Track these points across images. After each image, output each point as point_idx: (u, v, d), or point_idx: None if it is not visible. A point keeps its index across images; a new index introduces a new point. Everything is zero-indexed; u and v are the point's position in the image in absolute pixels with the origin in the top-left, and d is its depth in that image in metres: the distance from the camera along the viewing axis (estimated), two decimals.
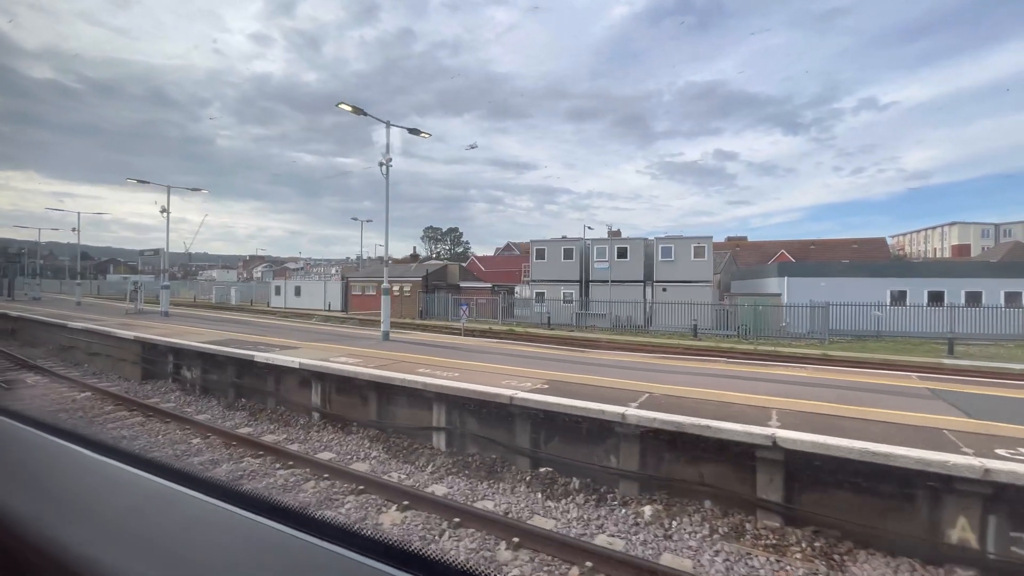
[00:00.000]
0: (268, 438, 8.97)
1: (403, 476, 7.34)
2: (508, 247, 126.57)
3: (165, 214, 21.09)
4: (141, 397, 12.01)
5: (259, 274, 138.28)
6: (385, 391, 8.69)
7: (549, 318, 32.83)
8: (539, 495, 6.56)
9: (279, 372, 10.39)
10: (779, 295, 29.04)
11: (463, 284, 44.09)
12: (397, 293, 43.26)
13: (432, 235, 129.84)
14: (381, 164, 12.87)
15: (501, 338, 19.83)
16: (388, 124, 12.83)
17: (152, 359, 13.82)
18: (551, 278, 36.95)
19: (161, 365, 13.56)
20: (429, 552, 0.74)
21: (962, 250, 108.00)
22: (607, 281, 35.21)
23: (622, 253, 35.28)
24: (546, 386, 7.60)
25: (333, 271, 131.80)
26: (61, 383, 13.53)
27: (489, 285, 44.06)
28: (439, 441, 7.96)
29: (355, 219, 53.85)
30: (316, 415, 9.68)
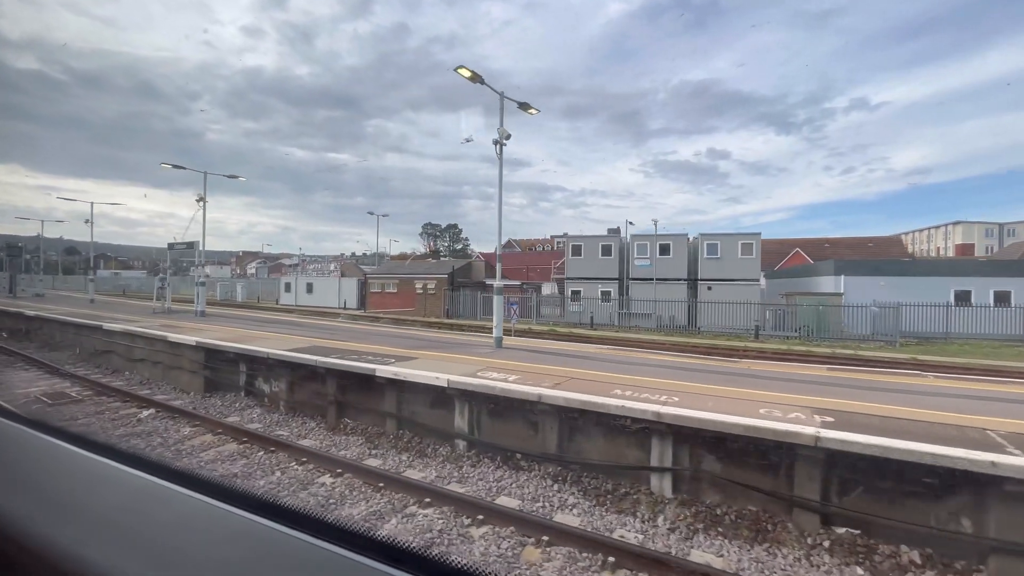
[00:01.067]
0: (413, 475, 7.19)
1: (636, 534, 5.61)
2: (509, 244, 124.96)
3: (201, 203, 19.04)
4: (216, 415, 10.14)
5: (253, 270, 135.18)
6: (570, 417, 6.94)
7: (592, 317, 31.17)
8: (858, 569, 4.87)
9: (405, 389, 8.58)
10: (840, 294, 27.62)
11: (488, 281, 42.24)
12: (421, 291, 41.39)
13: (431, 231, 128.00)
14: (496, 142, 11.07)
15: (575, 341, 18.07)
16: (502, 95, 11.00)
17: (217, 368, 11.91)
18: (588, 275, 35.30)
19: (229, 376, 11.66)
20: (423, 550, 0.73)
21: (966, 249, 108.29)
22: (648, 279, 33.63)
23: (664, 250, 33.72)
24: (830, 419, 5.90)
25: (332, 267, 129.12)
26: (111, 396, 11.59)
27: (518, 283, 42.27)
28: (661, 485, 6.23)
29: (371, 213, 51.70)
30: (462, 444, 7.89)
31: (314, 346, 11.39)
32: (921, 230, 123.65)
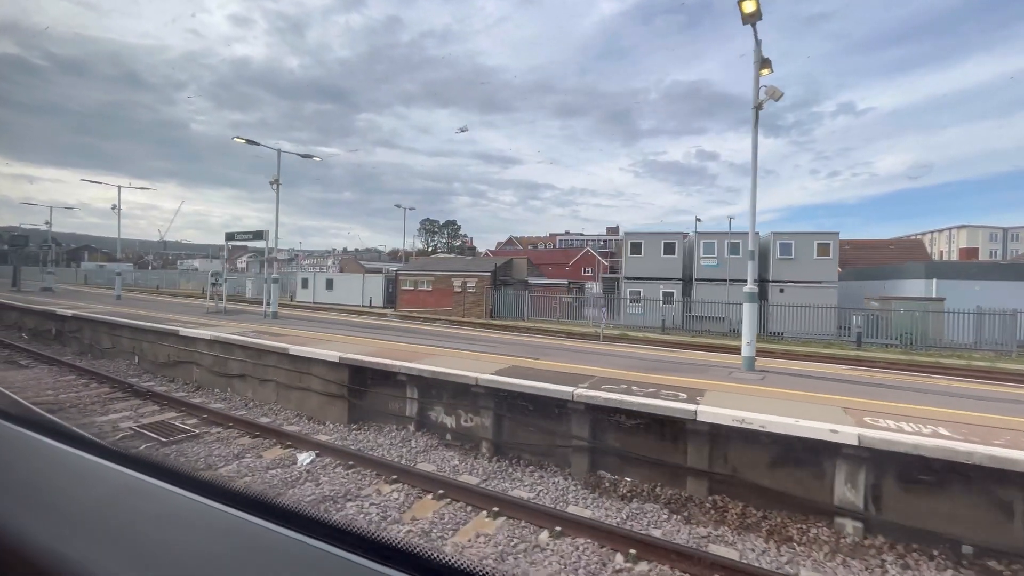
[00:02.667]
0: None
1: None
2: (510, 241, 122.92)
3: (275, 185, 16.17)
4: (402, 460, 7.50)
5: (243, 264, 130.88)
6: None
7: (664, 321, 28.83)
8: None
9: (735, 439, 6.06)
10: (942, 299, 25.71)
11: (531, 280, 39.73)
12: (460, 289, 38.71)
13: (429, 227, 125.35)
14: (757, 106, 8.53)
15: (702, 349, 15.71)
16: (758, 43, 8.47)
17: (366, 392, 9.23)
18: (648, 275, 33.01)
19: (388, 402, 8.99)
20: (413, 547, 0.72)
21: (970, 253, 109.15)
22: (713, 280, 31.47)
23: (733, 249, 31.54)
24: None
25: (329, 262, 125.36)
26: (228, 427, 8.84)
27: (564, 282, 39.75)
28: None
29: (398, 206, 48.70)
30: (850, 525, 5.40)
31: (513, 367, 8.75)
32: (924, 233, 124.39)
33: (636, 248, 33.44)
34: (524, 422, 7.55)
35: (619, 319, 33.19)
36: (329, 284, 48.52)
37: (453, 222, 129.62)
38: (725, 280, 30.47)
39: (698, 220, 31.28)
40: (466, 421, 8.15)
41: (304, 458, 7.47)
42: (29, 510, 0.78)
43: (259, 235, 16.71)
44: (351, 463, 7.30)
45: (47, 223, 29.56)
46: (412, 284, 41.21)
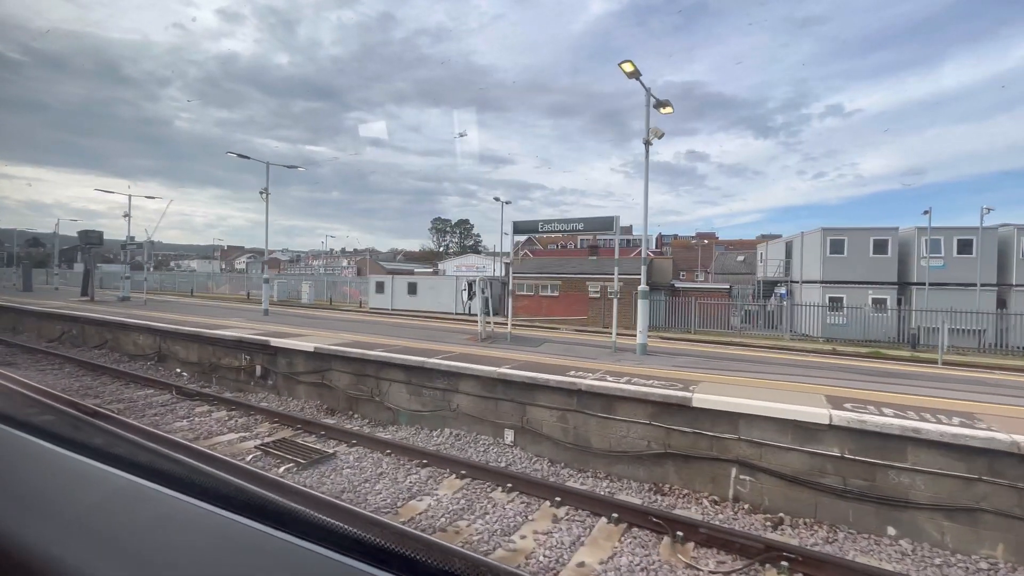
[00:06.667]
0: None
1: None
2: (529, 241, 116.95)
3: (648, 145, 9.85)
4: None
5: (242, 265, 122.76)
6: None
7: (916, 337, 23.10)
8: None
9: None
10: None
11: (677, 284, 33.84)
12: (597, 295, 32.66)
13: (440, 227, 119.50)
14: None
15: None
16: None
17: None
18: (850, 279, 27.42)
19: None
20: (411, 551, 0.72)
21: None
22: (944, 284, 25.93)
23: (964, 247, 26.12)
24: None
25: (345, 263, 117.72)
26: None
27: (726, 286, 33.89)
28: None
29: (496, 200, 42.03)
30: None
31: None
32: None
33: (837, 247, 27.73)
34: None
35: (801, 329, 27.55)
36: (412, 289, 41.95)
37: (466, 221, 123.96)
38: (974, 284, 24.92)
39: (925, 213, 25.76)
40: None
41: None
42: (26, 514, 0.76)
43: (599, 222, 10.48)
44: None
45: (126, 214, 22.76)
46: (531, 289, 34.98)
